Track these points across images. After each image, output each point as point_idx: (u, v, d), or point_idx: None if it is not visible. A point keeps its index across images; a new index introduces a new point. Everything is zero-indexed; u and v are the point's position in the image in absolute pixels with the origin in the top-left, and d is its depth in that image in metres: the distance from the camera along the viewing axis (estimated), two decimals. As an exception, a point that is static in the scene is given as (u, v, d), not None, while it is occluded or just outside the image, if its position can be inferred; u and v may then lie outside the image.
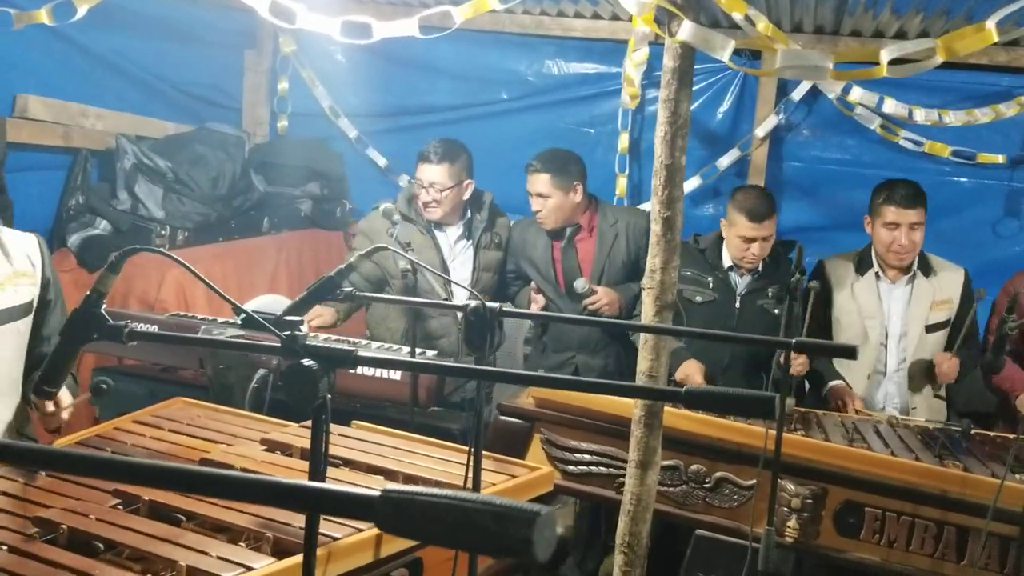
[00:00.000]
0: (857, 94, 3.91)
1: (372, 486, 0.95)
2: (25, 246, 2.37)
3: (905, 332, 3.31)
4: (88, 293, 1.58)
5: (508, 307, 3.61)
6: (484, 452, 2.45)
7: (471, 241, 3.58)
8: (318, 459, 1.28)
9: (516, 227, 3.71)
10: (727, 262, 3.41)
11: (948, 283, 3.34)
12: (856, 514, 2.53)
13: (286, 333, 1.25)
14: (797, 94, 4.19)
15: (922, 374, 3.35)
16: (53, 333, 2.35)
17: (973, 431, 2.88)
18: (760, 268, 3.40)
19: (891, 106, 3.92)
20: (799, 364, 3.08)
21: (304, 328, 3.18)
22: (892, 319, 3.34)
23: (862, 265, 3.39)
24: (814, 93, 4.19)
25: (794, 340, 1.63)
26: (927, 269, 3.35)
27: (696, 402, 1.15)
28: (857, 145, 4.19)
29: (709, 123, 4.40)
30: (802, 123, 4.29)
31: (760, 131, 4.26)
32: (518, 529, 0.70)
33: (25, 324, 2.34)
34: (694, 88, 4.30)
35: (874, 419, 3.00)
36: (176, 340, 1.92)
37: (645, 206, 4.34)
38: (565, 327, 3.58)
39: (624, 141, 4.43)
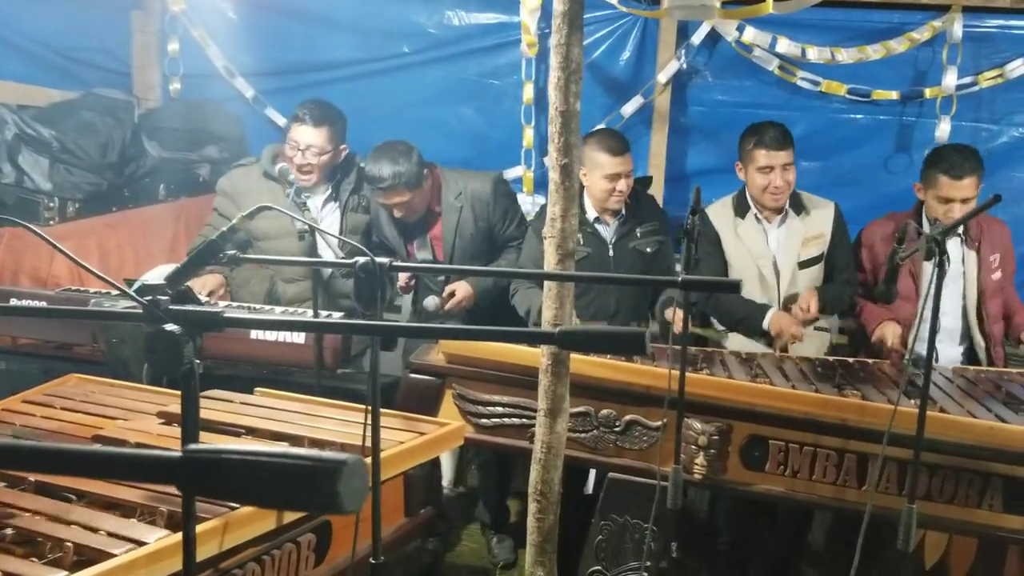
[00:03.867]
0: (751, 34, 3.93)
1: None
2: None
3: (781, 270, 3.42)
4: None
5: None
6: (393, 411, 2.43)
7: (338, 203, 3.52)
8: (189, 427, 1.23)
9: (373, 197, 3.58)
10: (592, 214, 3.45)
11: (819, 219, 3.45)
12: (761, 447, 2.59)
13: (147, 298, 1.19)
14: (697, 38, 4.19)
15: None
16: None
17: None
18: (624, 212, 3.44)
19: (784, 45, 3.96)
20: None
21: (204, 297, 3.09)
22: (775, 258, 3.43)
23: (740, 208, 3.48)
24: (713, 37, 4.20)
25: (680, 278, 1.63)
26: (798, 207, 3.46)
27: (570, 342, 1.14)
28: (756, 87, 4.22)
29: (612, 70, 4.38)
30: (703, 67, 4.30)
31: (662, 76, 4.26)
32: (323, 482, 0.67)
33: None
34: (596, 36, 4.38)
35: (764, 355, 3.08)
36: (27, 312, 1.82)
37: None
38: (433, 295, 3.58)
39: (529, 92, 4.39)
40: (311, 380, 2.78)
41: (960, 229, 3.29)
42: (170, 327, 1.13)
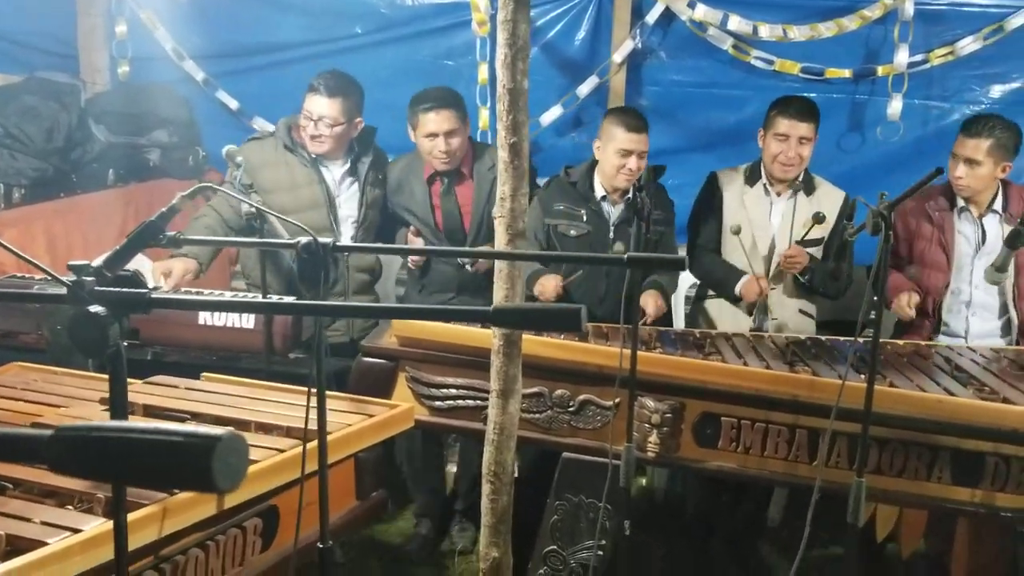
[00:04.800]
0: (701, 11, 3.92)
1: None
2: None
3: (777, 244, 3.42)
4: None
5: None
6: (341, 394, 2.41)
7: (356, 178, 3.47)
8: (119, 412, 1.20)
9: (392, 168, 3.57)
10: (599, 192, 3.41)
11: (827, 202, 3.43)
12: (713, 425, 2.60)
13: (71, 280, 1.16)
14: (651, 17, 4.18)
15: (787, 286, 3.46)
16: None
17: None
18: (631, 195, 3.40)
19: (735, 23, 3.96)
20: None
21: (163, 283, 3.02)
22: (774, 231, 3.44)
23: (752, 176, 3.47)
24: (668, 16, 4.19)
25: (626, 255, 1.62)
26: (810, 187, 3.45)
27: (503, 319, 1.13)
28: (711, 66, 4.22)
29: (568, 50, 4.36)
30: (658, 47, 4.30)
31: (617, 56, 4.25)
32: (195, 458, 0.66)
33: None
34: (551, 15, 4.35)
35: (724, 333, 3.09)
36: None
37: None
38: (447, 269, 3.53)
39: (483, 72, 4.35)
40: (262, 366, 2.75)
41: (999, 205, 3.32)
42: (94, 308, 1.10)
